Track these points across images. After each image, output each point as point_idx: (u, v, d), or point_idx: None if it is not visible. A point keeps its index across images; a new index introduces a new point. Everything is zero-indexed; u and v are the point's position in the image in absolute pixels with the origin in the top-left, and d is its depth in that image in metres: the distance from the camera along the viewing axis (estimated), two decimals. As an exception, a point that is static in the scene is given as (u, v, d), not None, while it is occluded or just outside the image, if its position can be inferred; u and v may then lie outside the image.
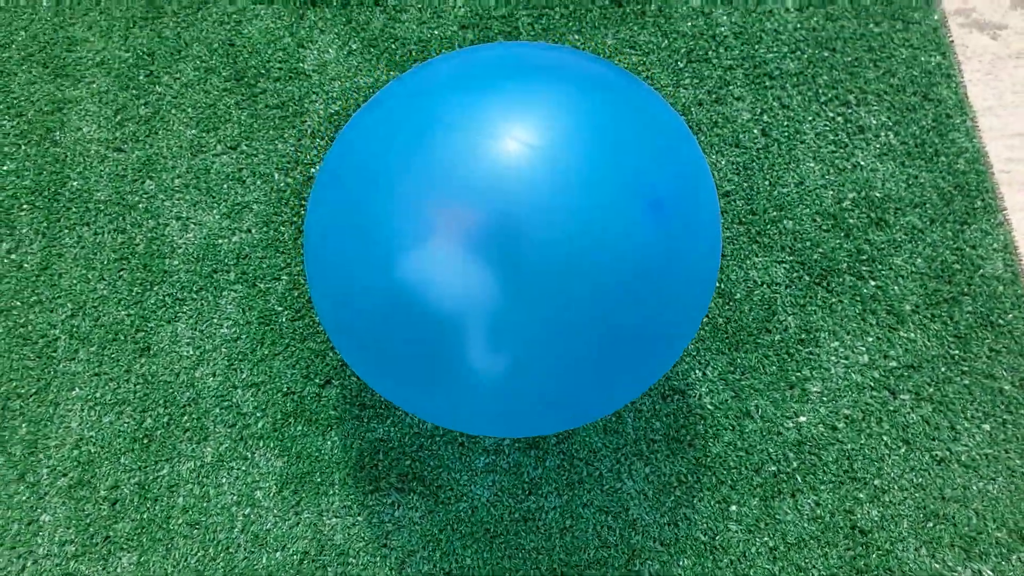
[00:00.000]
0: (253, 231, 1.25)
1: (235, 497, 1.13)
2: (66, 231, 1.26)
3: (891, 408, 1.18)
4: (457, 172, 0.75)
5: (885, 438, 1.17)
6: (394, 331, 0.79)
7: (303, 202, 1.26)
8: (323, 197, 0.86)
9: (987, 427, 1.16)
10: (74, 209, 1.27)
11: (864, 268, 1.24)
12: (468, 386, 0.81)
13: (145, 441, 1.16)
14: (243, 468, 1.15)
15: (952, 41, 1.39)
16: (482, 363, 0.78)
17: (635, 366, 0.86)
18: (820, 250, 1.25)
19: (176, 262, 1.24)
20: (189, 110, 1.33)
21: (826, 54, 1.36)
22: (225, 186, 1.28)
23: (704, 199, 0.88)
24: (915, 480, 1.15)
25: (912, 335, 1.21)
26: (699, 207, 0.86)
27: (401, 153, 0.78)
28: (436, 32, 1.37)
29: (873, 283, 1.24)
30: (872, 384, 1.19)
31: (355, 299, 0.81)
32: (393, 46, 1.36)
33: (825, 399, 1.18)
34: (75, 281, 1.23)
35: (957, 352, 1.20)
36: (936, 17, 1.39)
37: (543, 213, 0.73)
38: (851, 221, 1.26)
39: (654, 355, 0.87)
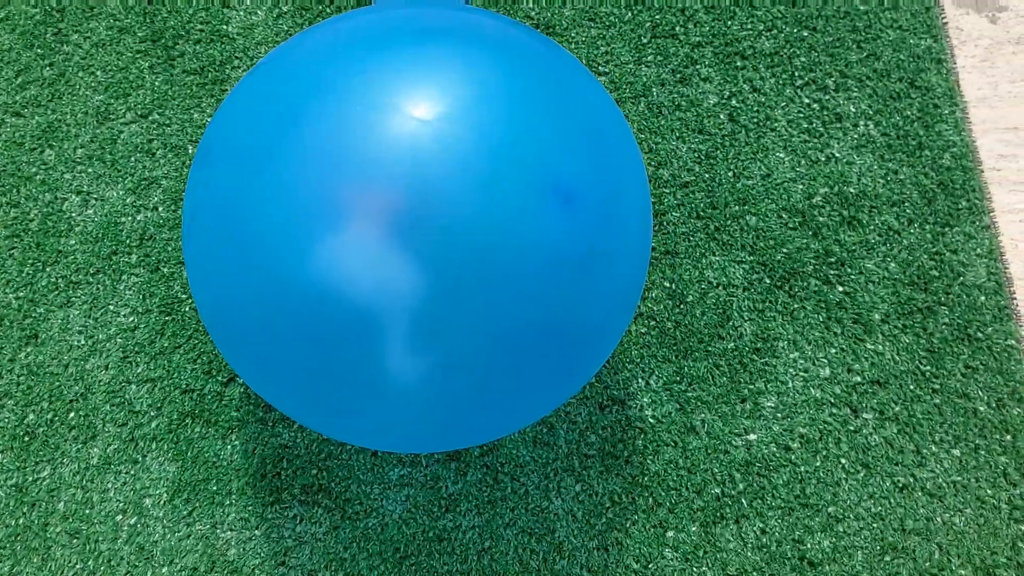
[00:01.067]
0: (160, 209, 1.14)
1: (121, 504, 1.03)
2: (-46, 203, 1.15)
3: (852, 428, 1.07)
4: (338, 151, 0.64)
5: (843, 461, 1.06)
6: (280, 339, 0.69)
7: (218, 179, 1.15)
8: (193, 181, 0.75)
9: (957, 452, 1.05)
10: (-35, 179, 1.16)
11: (832, 272, 1.13)
12: (370, 395, 0.71)
13: (26, 439, 1.06)
14: (132, 472, 1.04)
15: (946, 23, 1.26)
16: (386, 368, 0.67)
17: (550, 369, 0.75)
18: (784, 250, 1.13)
19: (73, 241, 1.13)
20: (98, 73, 1.21)
21: (805, 33, 1.24)
22: (132, 158, 1.17)
23: (630, 193, 0.76)
24: (873, 509, 1.04)
25: (880, 348, 1.10)
26: (622, 201, 0.75)
27: (277, 127, 0.67)
28: (375, -5, 1.25)
29: (840, 288, 1.12)
30: (832, 400, 1.08)
31: (231, 300, 0.71)
32: (328, 10, 1.24)
33: (779, 415, 1.07)
34: (-40, 259, 1.13)
35: (929, 368, 1.09)
36: (929, -5, 1.26)
37: (431, 204, 0.63)
38: (821, 219, 1.15)
39: (572, 358, 0.76)
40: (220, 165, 0.71)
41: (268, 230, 0.65)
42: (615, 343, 0.83)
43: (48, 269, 1.12)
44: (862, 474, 1.05)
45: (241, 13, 1.23)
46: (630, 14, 1.24)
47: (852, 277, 1.12)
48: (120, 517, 1.03)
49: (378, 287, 0.63)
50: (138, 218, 1.14)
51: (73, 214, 1.14)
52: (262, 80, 0.74)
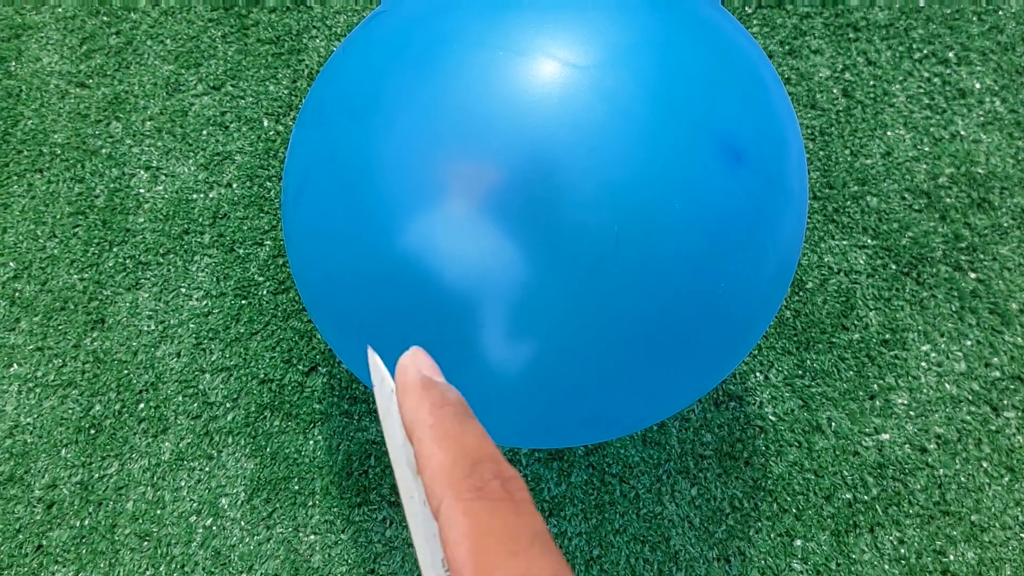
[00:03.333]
0: (234, 186, 1.06)
1: (195, 504, 0.94)
2: (15, 178, 1.06)
3: (993, 427, 0.97)
4: (473, 104, 0.55)
5: (985, 464, 0.96)
6: (390, 315, 0.60)
7: (295, 155, 1.06)
8: (302, 140, 0.66)
9: (1111, 456, 0.95)
10: (26, 152, 1.08)
11: (963, 258, 1.03)
12: (482, 384, 0.61)
13: (92, 432, 0.97)
14: (207, 469, 0.95)
15: (1071, -6, 1.17)
16: (501, 355, 0.58)
17: (694, 364, 0.65)
18: (910, 234, 1.04)
19: (141, 219, 1.04)
20: (168, 42, 1.13)
21: (922, 3, 1.14)
22: (204, 132, 1.08)
23: (793, 155, 0.67)
24: (1021, 517, 0.94)
25: (1020, 340, 1.00)
26: (787, 163, 0.66)
27: (401, 81, 0.59)
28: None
29: (973, 276, 1.02)
30: (970, 397, 0.98)
31: (341, 273, 0.62)
32: (410, -23, 1.16)
33: (913, 414, 0.97)
34: (21, 237, 1.04)
35: (1075, 363, 0.99)
36: (1052, -35, 1.17)
37: (587, 157, 0.53)
38: (948, 201, 1.05)
39: (719, 350, 0.67)
40: (336, 124, 0.62)
41: (392, 200, 0.56)
42: (763, 331, 0.73)
43: (115, 249, 1.03)
44: (1007, 478, 0.95)
45: (318, -20, 1.15)
46: (733, -17, 1.16)
47: (985, 263, 1.03)
48: (194, 518, 0.94)
49: (512, 267, 0.54)
50: (211, 195, 1.05)
51: (141, 190, 1.06)
52: (383, 26, 0.66)
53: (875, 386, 0.98)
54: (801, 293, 1.01)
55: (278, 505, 0.94)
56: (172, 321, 1.00)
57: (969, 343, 1.00)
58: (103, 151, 1.07)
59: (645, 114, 0.55)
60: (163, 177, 1.06)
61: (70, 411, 0.98)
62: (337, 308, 0.65)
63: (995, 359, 0.99)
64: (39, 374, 0.99)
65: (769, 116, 0.64)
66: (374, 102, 0.59)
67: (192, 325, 1.00)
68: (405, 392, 0.33)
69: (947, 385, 0.98)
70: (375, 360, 0.37)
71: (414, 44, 0.61)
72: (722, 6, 0.85)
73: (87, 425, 0.97)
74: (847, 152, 1.07)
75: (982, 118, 1.09)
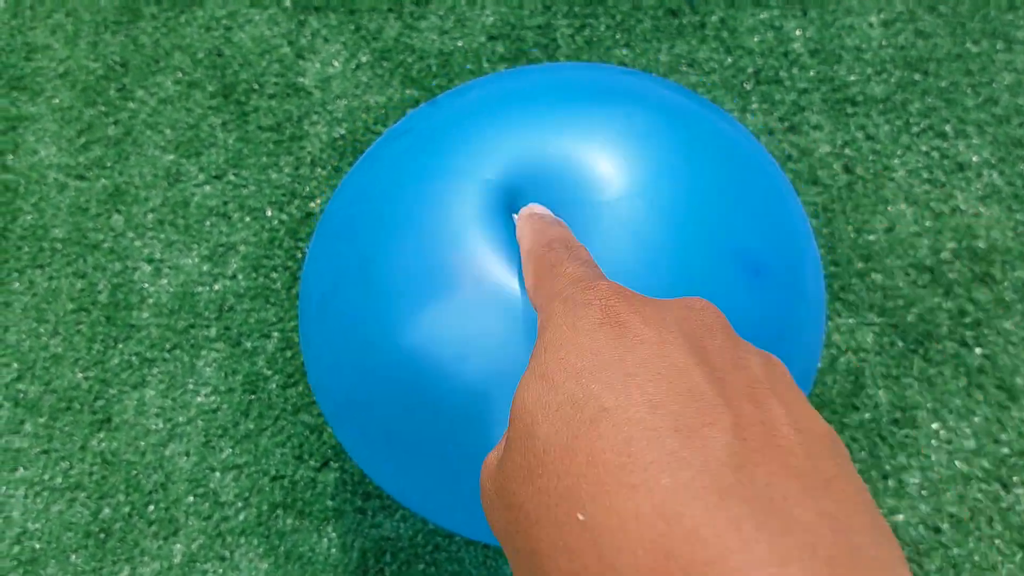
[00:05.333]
0: (239, 277, 1.05)
1: (209, 609, 0.93)
2: (15, 275, 1.05)
3: (1004, 505, 0.97)
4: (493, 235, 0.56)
5: (998, 541, 0.96)
6: (400, 409, 0.60)
7: (300, 243, 1.06)
8: (326, 243, 0.67)
9: (1122, 531, 0.96)
10: (26, 248, 1.06)
11: (968, 333, 1.04)
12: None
13: (101, 536, 0.95)
14: (220, 571, 0.94)
15: (1060, 64, 1.18)
16: None
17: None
18: (915, 310, 1.04)
19: (146, 314, 1.03)
20: (167, 131, 1.12)
21: (917, 77, 1.16)
22: (207, 223, 1.07)
23: (809, 264, 0.68)
24: (1036, 596, 0.94)
25: (1028, 416, 1.01)
26: (804, 274, 0.67)
27: (424, 192, 0.60)
28: (460, 44, 1.17)
29: (979, 351, 1.03)
30: (981, 475, 0.98)
31: (360, 374, 0.62)
32: (409, 59, 1.16)
33: (925, 493, 0.98)
34: (23, 336, 1.03)
35: (1083, 438, 1.00)
36: (1042, 36, 1.19)
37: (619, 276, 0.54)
38: (951, 276, 1.06)
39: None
40: (364, 235, 0.63)
41: (397, 292, 0.58)
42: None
43: (120, 345, 1.02)
44: (1019, 556, 0.96)
45: (317, 64, 1.15)
46: (731, 58, 1.17)
47: (990, 339, 1.04)
48: (209, 624, 0.92)
49: (506, 360, 0.55)
50: (215, 287, 1.04)
51: (145, 284, 1.05)
52: (404, 144, 0.66)
53: (887, 466, 0.99)
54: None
55: (293, 608, 0.92)
56: (180, 419, 0.99)
57: (977, 419, 1.00)
58: (104, 245, 1.06)
59: (668, 241, 0.57)
60: (166, 270, 1.05)
61: (78, 515, 0.96)
62: (348, 401, 0.66)
63: (1003, 435, 1.00)
64: (46, 477, 0.97)
65: (784, 229, 0.65)
66: (396, 219, 0.60)
67: (200, 422, 0.99)
68: (520, 219, 0.50)
69: (957, 463, 0.99)
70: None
71: (433, 167, 0.62)
72: (720, 108, 0.86)
73: (96, 529, 0.96)
74: (851, 229, 1.08)
75: (980, 191, 1.10)
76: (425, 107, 0.71)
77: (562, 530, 0.23)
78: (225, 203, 1.08)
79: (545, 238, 0.42)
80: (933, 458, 0.99)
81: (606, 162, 0.59)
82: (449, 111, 0.67)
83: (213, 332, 1.03)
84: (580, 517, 0.23)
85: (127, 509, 0.96)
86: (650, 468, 0.22)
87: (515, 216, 0.53)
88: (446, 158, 0.62)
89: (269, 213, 1.08)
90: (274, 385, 1.01)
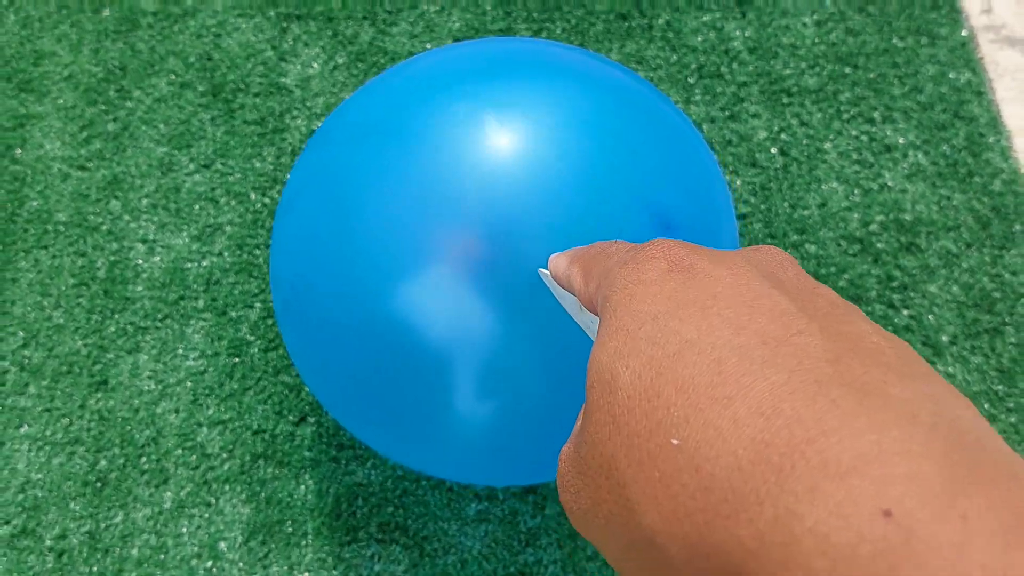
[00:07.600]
0: (225, 255, 1.15)
1: (196, 548, 1.01)
2: (22, 254, 1.15)
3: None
4: (438, 181, 0.64)
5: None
6: (371, 368, 0.68)
7: (281, 224, 1.16)
8: (290, 210, 0.75)
9: (1038, 471, 1.04)
10: (32, 231, 1.17)
11: (896, 296, 1.13)
12: (459, 429, 0.69)
13: (98, 485, 1.04)
14: (206, 516, 1.03)
15: (982, 58, 1.29)
16: (475, 403, 0.66)
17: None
18: (846, 276, 1.14)
19: (140, 288, 1.13)
20: (161, 126, 1.23)
21: (848, 70, 1.27)
22: (196, 206, 1.18)
23: (723, 224, 0.76)
24: None
25: (951, 369, 1.09)
26: (717, 232, 0.74)
27: (376, 162, 0.67)
28: (429, 46, 1.28)
29: (906, 312, 1.12)
30: (908, 423, 1.07)
31: (326, 332, 0.70)
32: (382, 60, 1.27)
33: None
34: (29, 308, 1.12)
35: (1001, 387, 1.08)
36: (964, 33, 1.29)
37: (537, 223, 0.62)
38: (880, 246, 1.16)
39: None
40: (319, 200, 0.70)
41: (372, 266, 0.64)
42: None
43: (116, 316, 1.12)
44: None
45: (298, 66, 1.26)
46: (676, 56, 1.28)
47: (916, 301, 1.13)
48: (195, 561, 1.00)
49: (482, 325, 0.63)
50: (204, 264, 1.14)
51: (139, 262, 1.15)
52: (352, 117, 0.74)
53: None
54: (749, 333, 1.11)
55: (273, 546, 1.01)
56: (170, 380, 1.08)
57: (904, 373, 1.09)
58: (103, 227, 1.17)
59: (581, 185, 0.64)
60: (159, 249, 1.15)
61: (77, 466, 1.05)
62: (323, 362, 0.73)
63: (928, 387, 1.08)
64: (48, 433, 1.07)
65: (699, 190, 0.73)
66: (352, 181, 0.68)
67: (189, 383, 1.08)
68: (554, 265, 0.45)
69: (886, 412, 1.07)
70: (545, 273, 0.53)
71: (380, 132, 0.69)
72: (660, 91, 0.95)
73: (94, 479, 1.04)
74: (786, 205, 1.18)
75: (907, 170, 1.20)
76: (372, 81, 0.79)
77: (656, 462, 0.23)
78: (213, 189, 1.19)
79: (582, 249, 0.41)
80: (863, 408, 1.07)
81: (530, 126, 0.66)
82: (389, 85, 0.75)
83: (201, 303, 1.12)
84: (674, 442, 0.22)
85: (122, 461, 1.05)
86: (743, 379, 0.22)
87: (541, 272, 0.56)
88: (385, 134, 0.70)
89: (253, 197, 1.18)
90: (256, 349, 1.10)
